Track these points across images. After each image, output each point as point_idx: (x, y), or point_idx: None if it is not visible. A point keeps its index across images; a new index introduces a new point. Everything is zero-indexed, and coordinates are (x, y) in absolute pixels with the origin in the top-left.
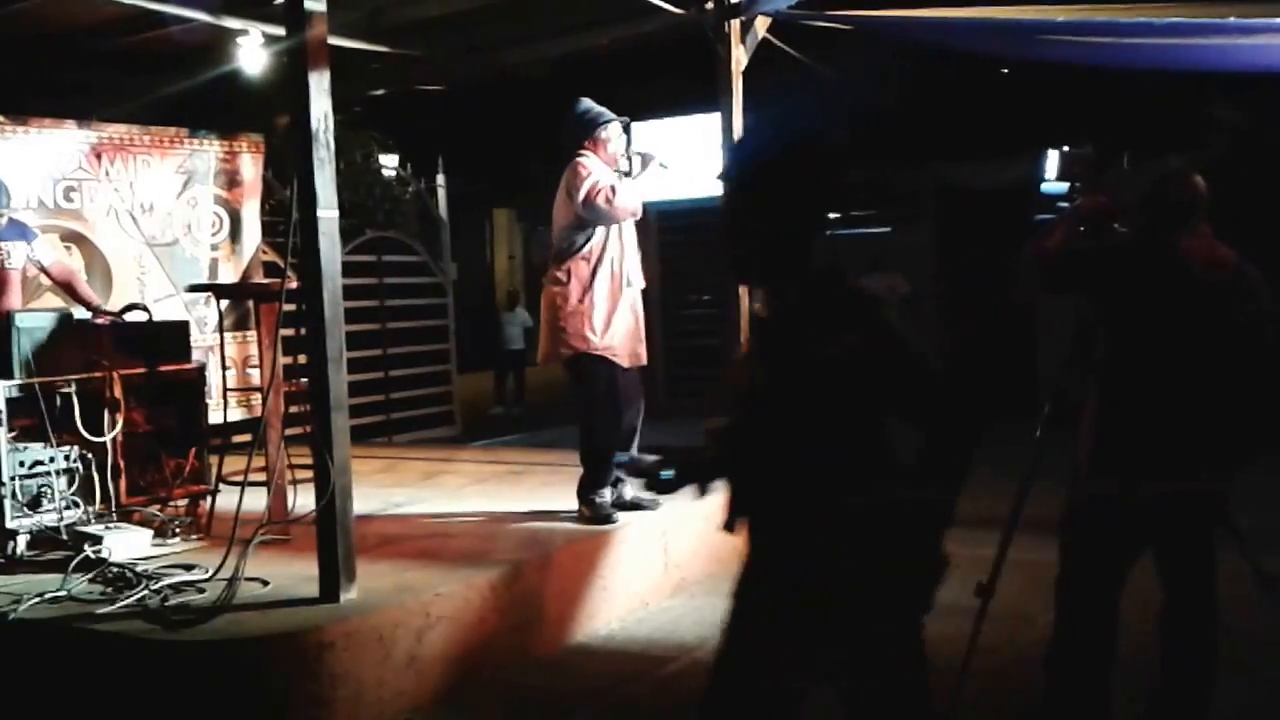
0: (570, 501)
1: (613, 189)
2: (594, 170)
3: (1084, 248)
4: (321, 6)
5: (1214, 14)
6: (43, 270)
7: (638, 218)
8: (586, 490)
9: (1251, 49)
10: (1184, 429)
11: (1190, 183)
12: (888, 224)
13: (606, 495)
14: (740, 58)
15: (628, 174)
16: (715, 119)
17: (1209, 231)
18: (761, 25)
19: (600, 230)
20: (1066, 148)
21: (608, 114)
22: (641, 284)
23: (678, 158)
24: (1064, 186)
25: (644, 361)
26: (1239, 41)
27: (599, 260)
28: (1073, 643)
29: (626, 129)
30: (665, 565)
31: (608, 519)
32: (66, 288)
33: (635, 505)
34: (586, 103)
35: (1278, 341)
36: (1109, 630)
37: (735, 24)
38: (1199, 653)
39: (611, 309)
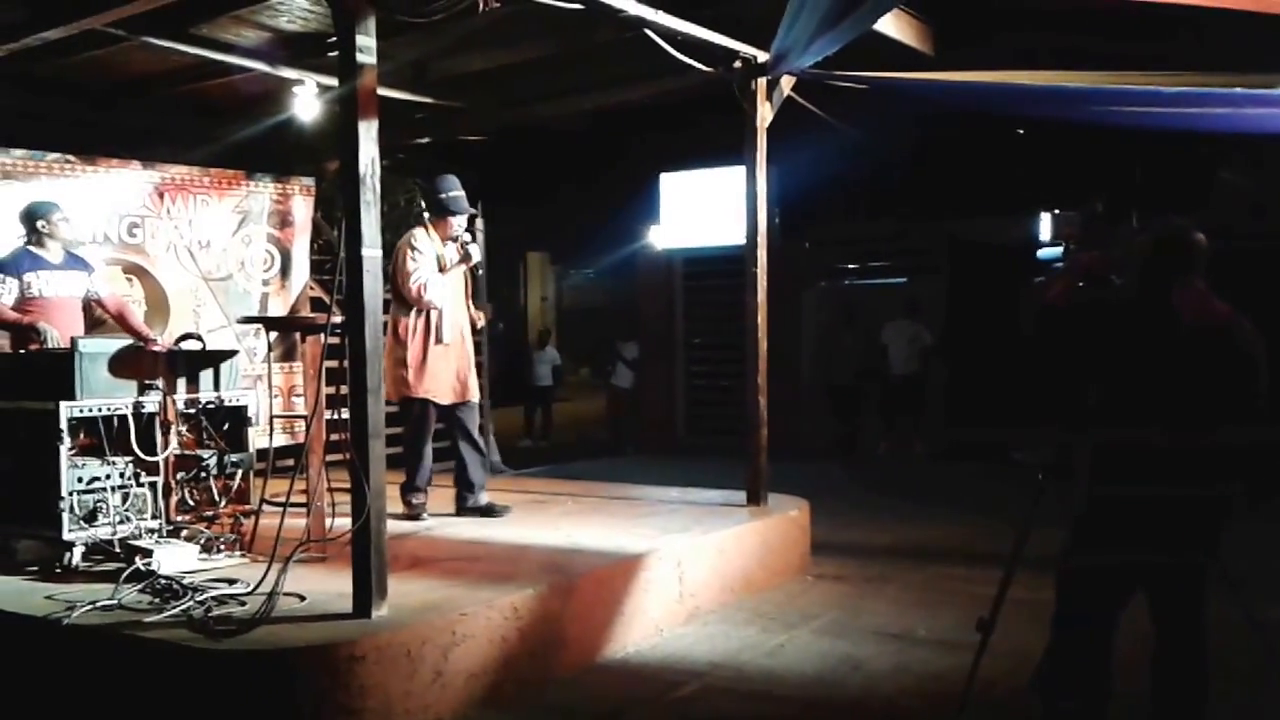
0: (596, 530)
1: (425, 286)
2: (419, 260)
3: (1081, 300)
4: (372, 59)
5: (1220, 84)
6: (98, 303)
7: (436, 310)
8: (403, 491)
9: (1258, 117)
10: (1175, 478)
11: (1185, 239)
12: (904, 274)
13: (421, 498)
14: (766, 115)
15: (468, 241)
16: (740, 172)
17: (1203, 286)
18: (787, 84)
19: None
20: (1058, 211)
21: (463, 206)
22: (456, 338)
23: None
24: (1058, 249)
25: (471, 397)
26: (1245, 111)
27: (416, 319)
28: (1068, 678)
29: (472, 221)
30: (680, 594)
31: (416, 517)
32: (119, 319)
33: (489, 511)
34: (453, 182)
35: (1268, 394)
36: (1103, 667)
37: (761, 82)
38: (1190, 690)
39: (422, 358)
